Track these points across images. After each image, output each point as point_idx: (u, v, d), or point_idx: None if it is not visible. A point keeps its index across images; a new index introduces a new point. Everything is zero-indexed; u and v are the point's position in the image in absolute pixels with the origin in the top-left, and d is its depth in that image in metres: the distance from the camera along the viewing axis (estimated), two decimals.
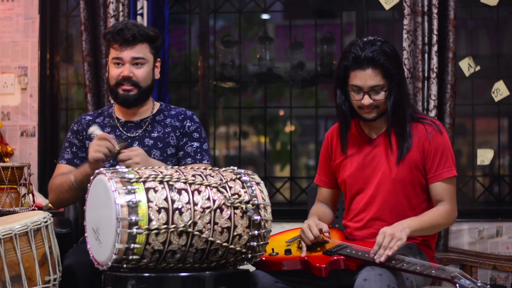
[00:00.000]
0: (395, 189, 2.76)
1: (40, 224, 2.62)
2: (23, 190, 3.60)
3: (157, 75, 3.06)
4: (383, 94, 2.71)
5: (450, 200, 2.74)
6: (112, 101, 3.18)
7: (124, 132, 3.04)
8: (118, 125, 3.05)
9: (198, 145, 3.04)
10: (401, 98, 2.74)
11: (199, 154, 3.03)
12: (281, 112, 5.24)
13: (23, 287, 2.57)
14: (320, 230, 2.72)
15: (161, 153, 3.01)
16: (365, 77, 2.68)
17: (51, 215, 2.71)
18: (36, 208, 3.60)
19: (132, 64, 2.95)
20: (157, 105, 3.12)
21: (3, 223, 2.62)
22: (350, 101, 2.76)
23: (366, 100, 2.70)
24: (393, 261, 2.49)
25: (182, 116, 3.09)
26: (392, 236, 2.51)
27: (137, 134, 3.04)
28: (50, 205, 4.14)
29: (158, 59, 3.06)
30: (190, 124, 3.07)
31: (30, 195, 3.65)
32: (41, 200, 4.15)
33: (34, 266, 2.59)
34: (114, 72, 2.97)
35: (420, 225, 2.64)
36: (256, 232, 2.47)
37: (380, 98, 2.71)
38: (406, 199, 2.77)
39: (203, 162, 3.03)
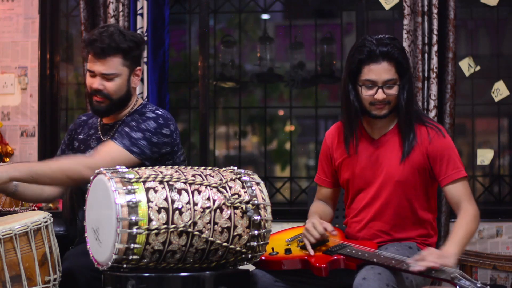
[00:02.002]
0: (397, 190, 2.75)
1: (40, 224, 2.62)
2: None
3: (136, 83, 2.98)
4: (396, 89, 2.70)
5: (469, 200, 2.70)
6: None
7: (101, 135, 3.02)
8: (98, 127, 3.05)
9: (127, 130, 2.87)
10: (412, 93, 2.75)
11: (118, 135, 2.86)
12: (281, 112, 5.23)
13: (23, 287, 2.57)
14: (325, 229, 2.72)
15: None
16: (380, 71, 2.67)
17: (51, 215, 2.71)
18: (36, 208, 3.60)
19: (102, 77, 2.90)
20: (137, 106, 3.02)
21: (3, 223, 2.61)
22: (359, 99, 2.75)
23: (380, 95, 2.69)
24: (393, 261, 2.49)
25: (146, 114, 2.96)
26: (440, 257, 2.43)
27: (108, 137, 3.00)
28: (50, 205, 4.15)
29: (138, 68, 2.96)
30: (137, 117, 2.93)
31: None
32: None
33: (34, 266, 2.59)
34: (88, 81, 2.95)
35: (462, 246, 2.58)
36: (256, 232, 2.46)
37: (393, 93, 2.70)
38: (408, 201, 2.76)
39: (114, 140, 2.82)
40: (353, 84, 2.74)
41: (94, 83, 2.91)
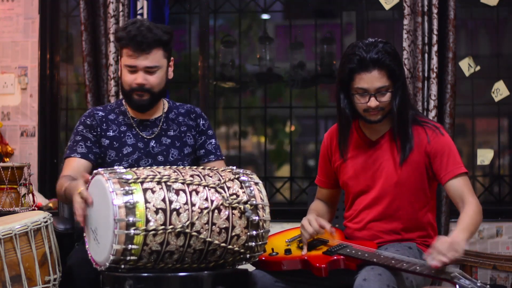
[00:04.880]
0: (398, 192, 2.74)
1: (40, 224, 2.63)
2: (23, 190, 3.60)
3: (171, 75, 3.01)
4: (389, 95, 2.70)
5: (471, 194, 2.67)
6: (120, 97, 3.12)
7: (140, 131, 3.00)
8: (133, 123, 3.00)
9: (214, 142, 3.07)
10: (405, 98, 2.74)
11: (218, 151, 3.06)
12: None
13: (23, 287, 2.57)
14: (321, 226, 2.72)
15: (179, 152, 2.99)
16: (372, 79, 2.66)
17: (51, 215, 2.71)
18: (36, 208, 3.60)
19: (145, 71, 2.90)
20: (166, 103, 3.10)
21: (3, 223, 2.62)
22: (353, 105, 2.75)
23: (373, 103, 2.68)
24: (393, 261, 2.49)
25: (194, 114, 3.08)
26: (452, 246, 2.41)
27: (154, 133, 3.01)
28: (50, 205, 4.16)
29: (172, 58, 3.01)
30: (203, 122, 3.08)
31: (30, 195, 3.65)
32: (41, 200, 4.15)
33: (34, 266, 2.60)
34: (128, 78, 2.91)
35: (470, 235, 2.57)
36: (254, 232, 2.46)
37: (386, 100, 2.70)
38: (409, 203, 2.75)
39: (221, 158, 3.05)
40: (346, 92, 2.74)
41: (137, 78, 2.89)
